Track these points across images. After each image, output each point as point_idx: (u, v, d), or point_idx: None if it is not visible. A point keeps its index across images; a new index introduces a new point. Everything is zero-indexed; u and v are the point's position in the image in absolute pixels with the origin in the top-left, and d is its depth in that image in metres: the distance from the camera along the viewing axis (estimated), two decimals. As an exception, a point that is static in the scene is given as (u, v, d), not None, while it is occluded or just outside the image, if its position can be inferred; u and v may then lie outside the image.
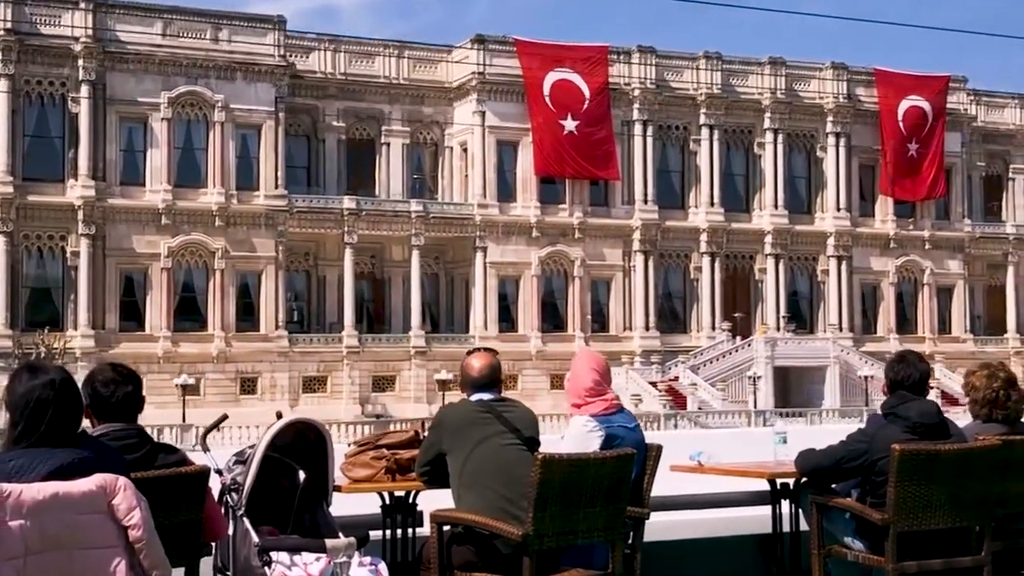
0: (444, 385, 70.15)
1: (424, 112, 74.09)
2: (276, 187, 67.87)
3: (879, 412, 7.61)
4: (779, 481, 8.35)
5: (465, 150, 73.52)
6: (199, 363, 64.95)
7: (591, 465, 6.64)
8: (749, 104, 78.11)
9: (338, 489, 7.03)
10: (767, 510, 8.63)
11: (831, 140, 79.94)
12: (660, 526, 8.33)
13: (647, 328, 74.60)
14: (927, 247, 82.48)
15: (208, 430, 7.56)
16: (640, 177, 75.04)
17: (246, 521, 6.20)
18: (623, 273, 75.08)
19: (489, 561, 6.68)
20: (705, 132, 76.77)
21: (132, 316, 65.40)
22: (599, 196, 75.10)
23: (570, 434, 7.57)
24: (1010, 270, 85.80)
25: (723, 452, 8.96)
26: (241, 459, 6.44)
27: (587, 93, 72.82)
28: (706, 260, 76.59)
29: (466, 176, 73.47)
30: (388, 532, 7.72)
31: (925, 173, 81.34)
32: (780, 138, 78.43)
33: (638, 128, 75.10)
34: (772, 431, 9.00)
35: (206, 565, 6.24)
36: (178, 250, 65.80)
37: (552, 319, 74.02)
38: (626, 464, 6.76)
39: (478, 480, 6.80)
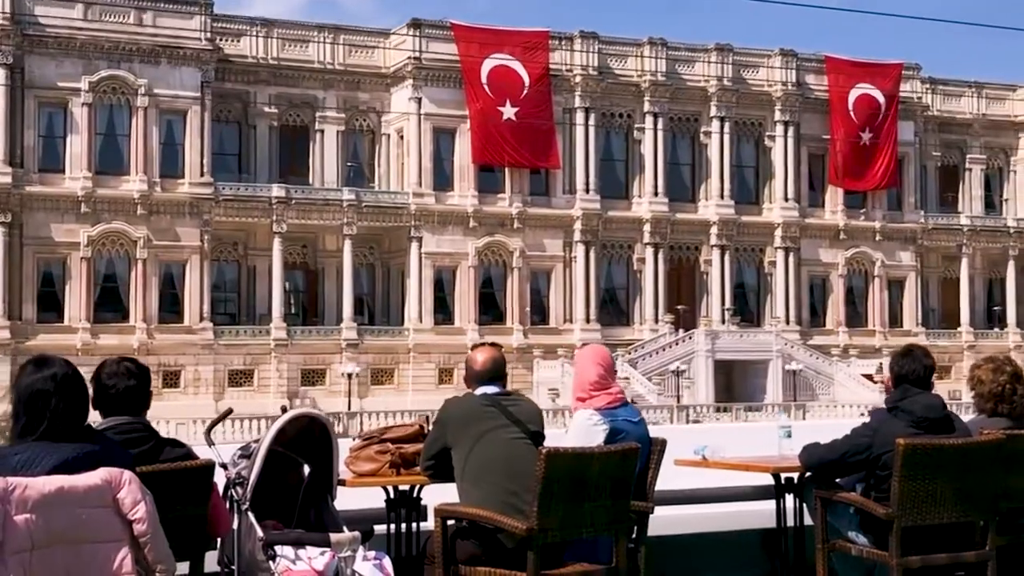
0: (377, 379, 68.64)
1: (360, 98, 72.21)
2: (202, 174, 65.99)
3: (884, 406, 7.55)
4: (783, 475, 8.40)
5: (402, 137, 71.66)
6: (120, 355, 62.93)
7: (596, 459, 6.62)
8: (695, 91, 76.36)
9: (343, 483, 7.05)
10: (771, 504, 8.66)
11: (779, 129, 78.25)
12: (664, 520, 8.34)
13: (588, 320, 72.90)
14: (878, 238, 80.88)
15: (213, 424, 7.31)
16: (582, 166, 73.28)
17: (251, 515, 6.19)
18: (564, 264, 73.36)
19: (493, 555, 6.65)
20: (649, 120, 75.02)
21: (50, 307, 63.55)
22: (539, 185, 73.35)
23: (574, 428, 7.57)
24: (964, 262, 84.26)
25: (727, 446, 8.88)
26: (246, 453, 6.43)
27: (527, 79, 71.01)
28: (649, 251, 74.88)
29: (403, 164, 71.61)
30: (392, 526, 7.71)
31: (877, 163, 79.71)
32: (727, 127, 76.70)
33: (580, 116, 73.31)
34: (776, 425, 9.03)
35: (211, 559, 6.23)
36: (98, 239, 63.91)
37: (490, 311, 72.29)
38: (631, 458, 6.75)
39: (482, 474, 6.78)
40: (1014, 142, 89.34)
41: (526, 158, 71.43)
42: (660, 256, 75.02)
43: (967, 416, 8.13)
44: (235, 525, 6.21)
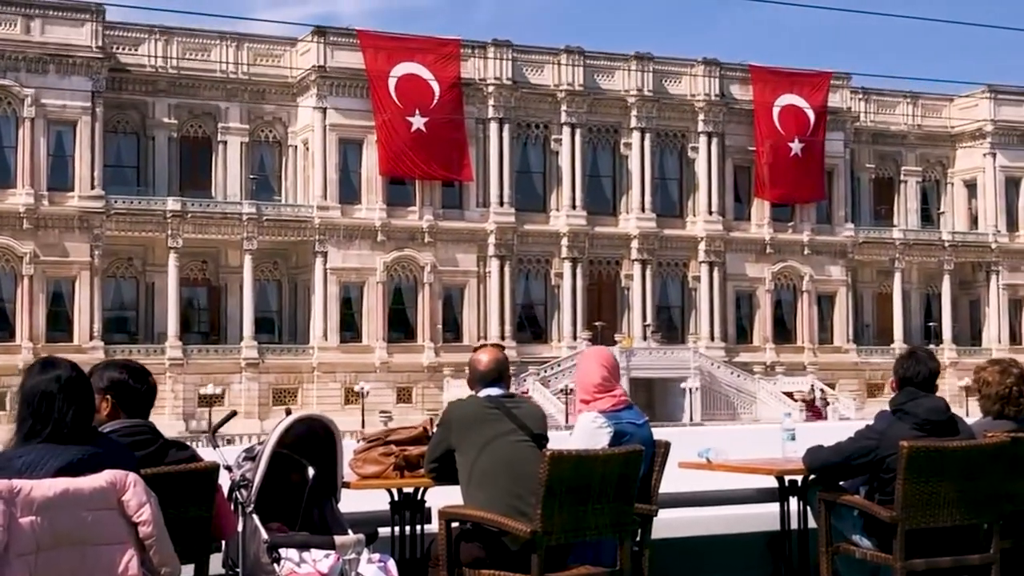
0: (281, 399, 66.14)
1: (265, 109, 69.94)
2: (92, 187, 63.55)
3: (888, 409, 7.55)
4: (787, 478, 8.41)
5: (308, 149, 69.32)
6: (5, 376, 60.41)
7: (599, 462, 6.61)
8: (614, 101, 74.25)
9: (347, 485, 6.99)
10: (775, 507, 8.68)
11: (703, 140, 76.15)
12: (668, 523, 8.30)
13: (503, 337, 70.38)
14: (806, 252, 78.75)
15: (217, 426, 7.28)
16: (496, 178, 71.01)
17: (255, 518, 6.15)
18: (478, 280, 71.03)
19: (497, 558, 6.65)
20: (567, 131, 72.83)
21: (-69, 325, 61.01)
22: (453, 198, 71.07)
23: (578, 430, 7.53)
24: (897, 277, 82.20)
25: (732, 449, 8.86)
26: (250, 455, 6.45)
27: (437, 89, 68.81)
28: (567, 266, 72.61)
29: (309, 177, 69.27)
30: (397, 529, 7.71)
31: (804, 175, 77.62)
32: (648, 137, 74.55)
33: (494, 126, 71.09)
34: (781, 428, 8.92)
35: (215, 562, 6.17)
36: (-18, 255, 61.39)
37: (400, 328, 69.90)
38: (635, 461, 6.76)
39: (487, 477, 6.77)
40: (951, 154, 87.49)
41: (437, 170, 69.19)
42: (579, 271, 72.77)
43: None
44: (240, 527, 6.12)
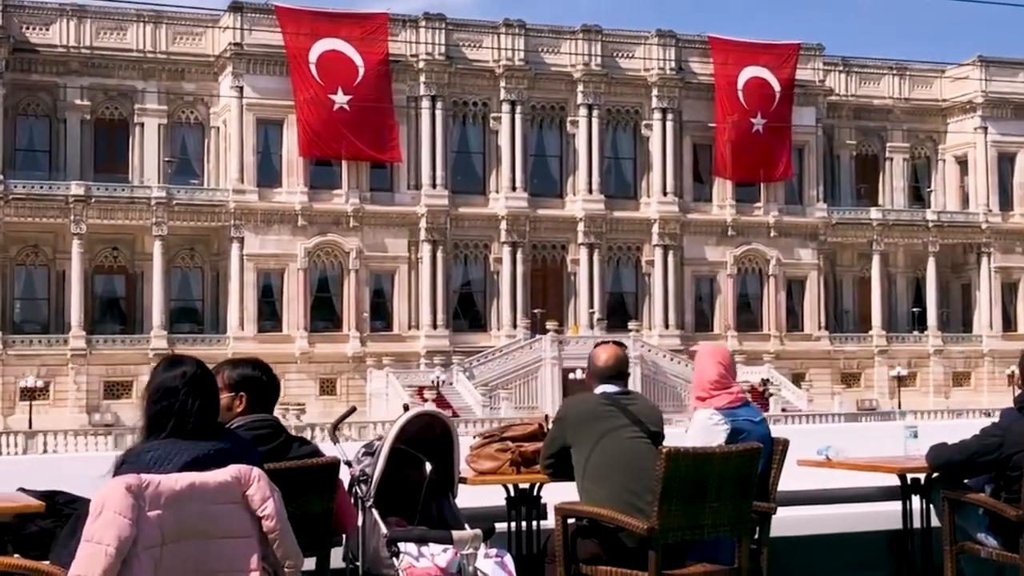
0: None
1: (185, 88, 67.03)
2: (-9, 171, 61.09)
3: (1012, 405, 7.50)
4: (910, 476, 8.29)
5: (226, 130, 66.28)
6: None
7: (717, 459, 6.56)
8: (559, 77, 70.19)
9: (464, 481, 7.08)
10: (897, 505, 8.56)
11: (657, 117, 71.78)
12: (787, 521, 8.17)
13: (434, 326, 67.00)
14: (773, 235, 74.04)
15: (337, 422, 7.66)
16: (428, 159, 67.39)
17: (375, 512, 6.26)
18: (408, 266, 67.48)
19: (614, 555, 6.62)
20: (507, 108, 68.93)
21: None
22: (383, 180, 67.62)
23: (695, 427, 7.47)
24: (875, 260, 77.10)
25: (852, 446, 8.76)
26: (370, 451, 6.52)
27: (361, 65, 65.35)
28: (507, 250, 68.77)
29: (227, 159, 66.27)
30: (513, 524, 7.73)
31: (770, 152, 72.93)
32: (596, 114, 70.38)
33: (426, 104, 67.47)
34: (903, 425, 8.95)
35: (336, 556, 6.21)
36: None
37: (327, 317, 66.68)
38: (752, 458, 6.68)
39: (603, 473, 6.78)
40: (942, 128, 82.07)
41: (362, 151, 65.78)
42: (519, 256, 68.89)
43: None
44: (360, 521, 6.20)
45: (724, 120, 72.09)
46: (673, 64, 71.95)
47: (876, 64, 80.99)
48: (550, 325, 65.29)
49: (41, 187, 62.24)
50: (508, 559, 6.55)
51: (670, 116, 71.88)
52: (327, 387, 64.75)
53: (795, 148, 74.41)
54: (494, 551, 6.50)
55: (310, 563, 5.58)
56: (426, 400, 59.45)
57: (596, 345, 7.48)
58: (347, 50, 65.19)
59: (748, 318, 73.96)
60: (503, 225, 68.52)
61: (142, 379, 61.28)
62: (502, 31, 68.91)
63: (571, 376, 62.30)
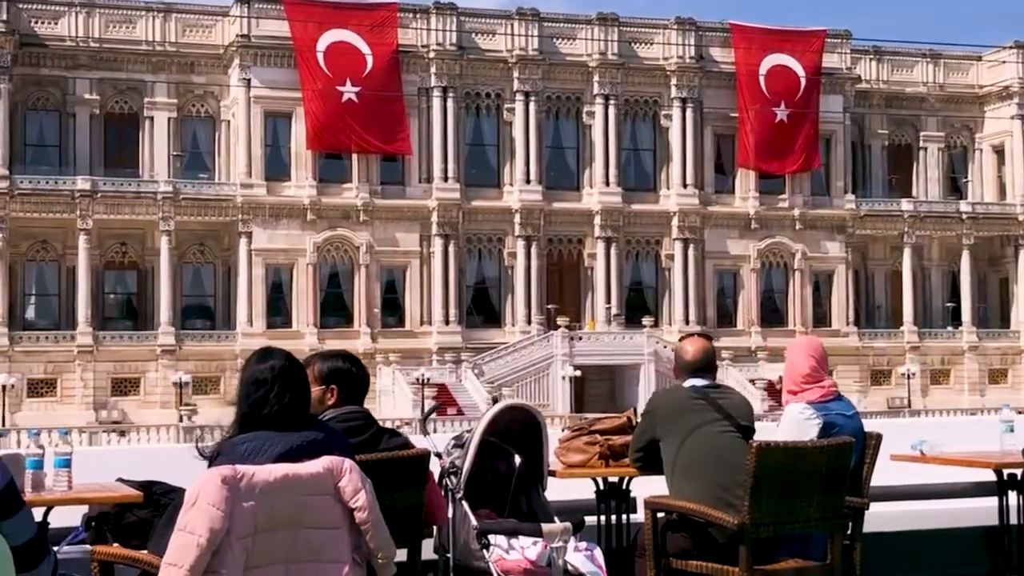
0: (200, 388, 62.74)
1: (195, 81, 66.38)
2: (-4, 167, 60.85)
3: None
4: (1006, 472, 8.24)
5: (234, 123, 65.56)
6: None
7: (809, 454, 6.55)
8: (575, 66, 68.73)
9: (553, 474, 7.07)
10: (993, 501, 8.47)
11: (676, 107, 70.04)
12: (881, 517, 8.07)
13: (446, 322, 65.89)
14: (798, 227, 72.04)
15: (427, 415, 8.27)
16: (440, 151, 66.25)
17: (465, 504, 6.28)
18: (420, 260, 66.40)
19: (704, 549, 6.61)
20: (520, 99, 67.59)
21: None
22: (394, 173, 66.60)
23: (786, 421, 7.45)
24: (906, 253, 74.78)
25: (947, 441, 8.64)
26: (459, 443, 6.56)
27: (370, 57, 64.32)
28: (521, 244, 67.45)
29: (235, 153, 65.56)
30: (603, 518, 7.78)
31: (795, 142, 70.97)
32: (612, 104, 68.83)
33: (437, 96, 66.32)
34: (999, 419, 8.77)
35: (427, 547, 6.29)
36: None
37: (338, 313, 65.81)
38: (845, 453, 6.66)
39: (692, 467, 6.73)
40: (979, 117, 79.52)
41: (371, 143, 64.79)
42: (534, 250, 67.55)
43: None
44: (450, 513, 6.23)
45: (746, 110, 70.24)
46: (693, 52, 70.22)
47: (909, 51, 78.63)
48: (561, 321, 63.87)
49: (47, 182, 61.91)
50: (598, 552, 6.58)
51: (690, 106, 70.14)
52: (337, 383, 63.74)
53: (822, 138, 72.40)
54: (584, 544, 6.54)
55: (401, 554, 5.59)
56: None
57: (682, 338, 7.41)
58: (356, 41, 64.21)
59: (773, 314, 72.07)
60: (517, 219, 67.24)
61: (150, 376, 61.15)
62: (515, 20, 67.58)
63: (563, 377, 61.00)
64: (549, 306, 66.47)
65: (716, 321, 70.43)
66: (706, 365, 7.08)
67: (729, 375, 65.67)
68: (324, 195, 64.67)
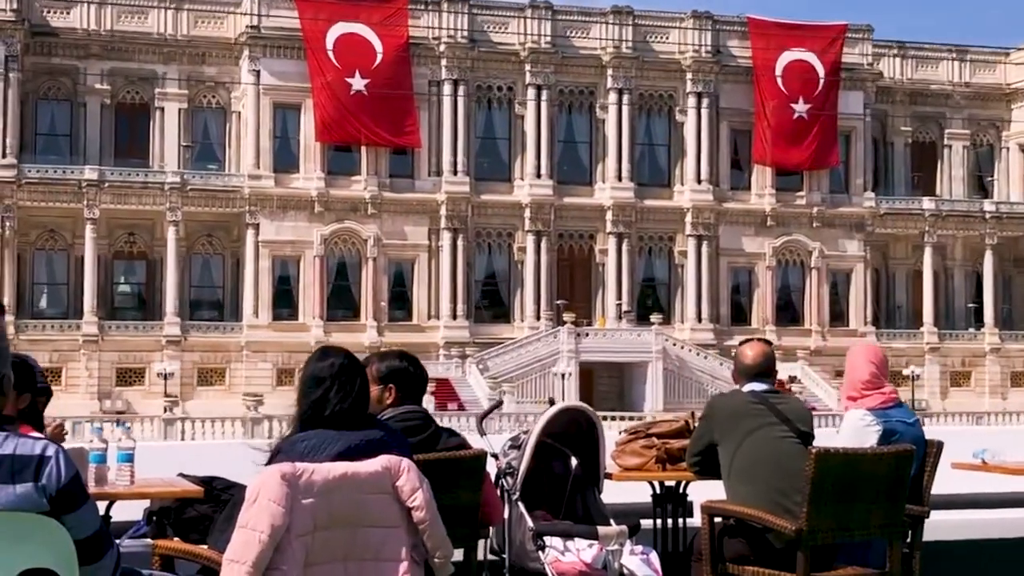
0: (204, 378, 62.70)
1: (206, 72, 66.31)
2: (4, 155, 61.00)
3: None
4: None
5: (243, 115, 65.43)
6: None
7: (868, 461, 6.59)
8: (588, 60, 68.02)
9: (609, 477, 7.17)
10: None
11: (692, 101, 69.15)
12: (941, 525, 8.00)
13: (454, 317, 65.43)
14: (815, 225, 70.93)
15: (484, 415, 7.93)
16: (449, 145, 65.77)
17: (521, 505, 6.36)
18: (429, 254, 65.97)
19: (762, 555, 6.57)
20: (532, 92, 66.99)
21: None
22: (404, 166, 66.20)
23: (846, 428, 7.40)
24: (927, 252, 73.45)
25: (1009, 450, 8.55)
26: (516, 444, 6.65)
27: (380, 48, 63.96)
28: (531, 239, 66.85)
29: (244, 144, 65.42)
30: (659, 521, 7.77)
31: (814, 139, 69.88)
32: (626, 99, 68.06)
33: (448, 88, 65.85)
34: None
35: (484, 547, 6.33)
36: None
37: (346, 306, 65.52)
38: (905, 461, 6.62)
39: (750, 472, 6.70)
40: (1006, 114, 77.98)
41: (381, 136, 64.42)
42: (543, 245, 66.93)
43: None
44: (506, 514, 6.32)
45: (764, 105, 69.25)
46: (709, 47, 69.29)
47: (933, 47, 77.28)
48: (570, 317, 63.20)
49: (55, 171, 62.05)
50: (654, 556, 6.60)
51: (706, 101, 69.22)
52: (342, 377, 63.46)
53: (841, 134, 71.29)
54: (640, 548, 6.55)
55: (457, 554, 5.62)
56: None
57: (742, 343, 7.33)
58: (366, 33, 63.86)
59: (788, 312, 71.04)
60: (527, 213, 66.64)
61: (155, 366, 61.02)
62: (528, 13, 66.95)
63: (557, 374, 60.31)
64: (558, 302, 65.81)
65: (729, 319, 69.58)
66: (766, 370, 7.03)
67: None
68: (332, 187, 64.41)
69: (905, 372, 68.28)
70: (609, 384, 66.07)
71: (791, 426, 6.77)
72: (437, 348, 64.48)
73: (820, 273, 71.03)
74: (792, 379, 63.68)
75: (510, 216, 66.99)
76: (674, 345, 64.25)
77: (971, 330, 74.55)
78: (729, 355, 65.62)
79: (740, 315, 70.33)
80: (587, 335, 62.91)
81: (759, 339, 7.41)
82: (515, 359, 62.21)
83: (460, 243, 65.72)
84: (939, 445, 7.48)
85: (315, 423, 4.79)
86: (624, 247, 67.88)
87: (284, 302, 64.43)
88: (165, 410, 52.43)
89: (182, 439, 47.67)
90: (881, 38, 74.42)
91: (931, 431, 8.09)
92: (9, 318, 59.15)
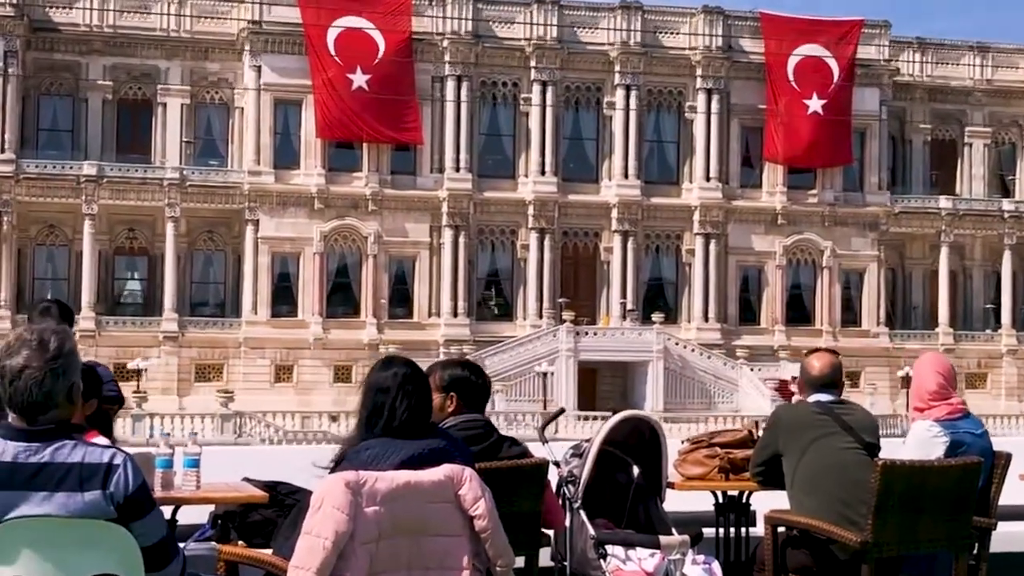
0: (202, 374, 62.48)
1: (209, 68, 65.95)
2: (3, 150, 60.97)
3: None
4: None
5: (244, 111, 65.05)
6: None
7: (934, 473, 6.55)
8: (595, 55, 67.02)
9: (671, 486, 7.09)
10: None
11: (701, 98, 67.99)
12: (1009, 537, 7.89)
13: (455, 314, 64.73)
14: (827, 223, 69.56)
15: (546, 423, 7.72)
16: (452, 141, 65.04)
17: (582, 513, 6.34)
18: (430, 251, 65.29)
19: (825, 566, 6.56)
20: (537, 88, 66.11)
21: None
22: (406, 163, 65.56)
23: (912, 439, 7.32)
24: (943, 252, 71.87)
25: None
26: (577, 452, 6.63)
27: (382, 43, 63.33)
28: (534, 237, 65.99)
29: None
30: (721, 531, 7.73)
31: (827, 136, 68.46)
32: (634, 95, 67.00)
33: (451, 84, 65.12)
34: None
35: (544, 555, 6.33)
36: None
37: (346, 303, 65.01)
38: (972, 473, 6.62)
39: (815, 483, 6.66)
40: (1029, 112, 76.17)
41: (382, 132, 63.82)
42: (547, 243, 66.06)
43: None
44: (567, 522, 6.31)
45: (776, 102, 67.96)
46: (720, 42, 68.09)
47: (954, 43, 75.59)
48: (572, 315, 62.29)
49: (54, 167, 61.93)
50: (716, 566, 6.59)
51: (716, 97, 68.04)
52: (342, 374, 63.06)
53: (856, 132, 69.85)
54: (702, 557, 6.53)
55: (519, 562, 5.63)
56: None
57: (808, 353, 7.33)
58: (368, 28, 63.25)
59: (799, 312, 69.75)
60: (530, 210, 65.80)
61: (152, 362, 60.71)
62: (534, 7, 66.09)
63: (544, 372, 59.41)
64: (560, 300, 64.93)
65: (738, 319, 68.48)
66: (832, 381, 7.00)
67: (742, 374, 63.81)
68: (333, 184, 63.90)
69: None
70: (612, 384, 65.14)
71: (856, 436, 6.73)
72: (437, 346, 63.78)
73: (832, 272, 69.68)
74: (794, 379, 62.46)
75: (513, 213, 66.19)
76: (676, 344, 63.19)
77: (988, 331, 72.90)
78: (735, 355, 64.87)
79: (749, 315, 69.16)
80: (587, 334, 61.98)
81: (826, 349, 7.36)
82: (514, 357, 61.40)
83: (462, 240, 65.00)
84: (1007, 456, 7.40)
85: (378, 431, 4.80)
86: (630, 245, 66.87)
87: (284, 299, 64.00)
88: (136, 406, 52.04)
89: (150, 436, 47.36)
90: (900, 34, 72.84)
91: (999, 443, 7.80)
92: (6, 313, 59.28)
